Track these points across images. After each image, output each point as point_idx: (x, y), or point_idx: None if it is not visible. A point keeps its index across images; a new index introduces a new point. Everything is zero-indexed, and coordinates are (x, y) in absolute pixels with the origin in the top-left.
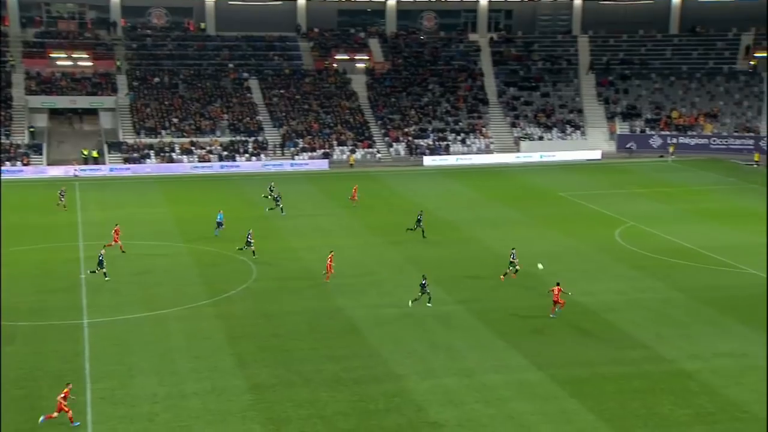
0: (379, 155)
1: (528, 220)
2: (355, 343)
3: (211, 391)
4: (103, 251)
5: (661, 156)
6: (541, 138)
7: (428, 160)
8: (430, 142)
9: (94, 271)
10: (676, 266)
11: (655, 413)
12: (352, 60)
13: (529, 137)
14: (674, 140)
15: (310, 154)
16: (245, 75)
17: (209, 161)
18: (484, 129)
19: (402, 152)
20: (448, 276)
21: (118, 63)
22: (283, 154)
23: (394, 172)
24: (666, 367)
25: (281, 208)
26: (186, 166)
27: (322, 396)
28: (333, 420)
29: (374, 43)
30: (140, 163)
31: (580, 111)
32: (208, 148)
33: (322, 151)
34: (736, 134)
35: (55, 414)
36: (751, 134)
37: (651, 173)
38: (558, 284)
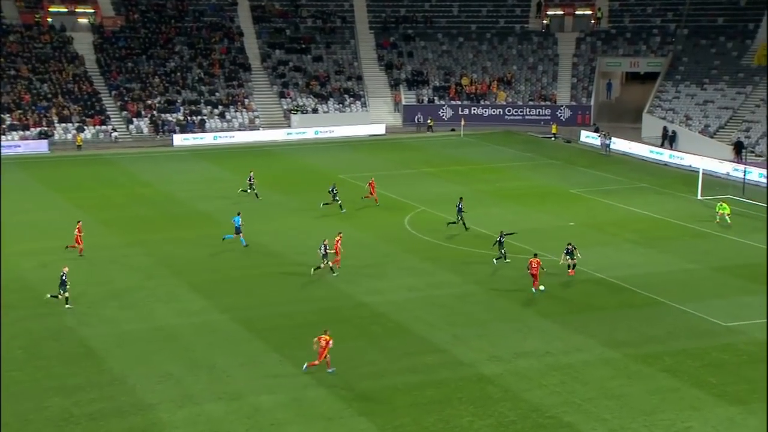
0: (115, 134)
1: (304, 208)
2: (91, 370)
3: None
4: (65, 269)
5: (453, 130)
6: (315, 110)
7: (179, 139)
8: (181, 117)
9: (56, 296)
10: (472, 256)
11: (454, 426)
12: (73, 13)
13: (301, 110)
14: (463, 112)
15: (21, 133)
16: None
17: None
18: (246, 100)
19: (145, 130)
20: (209, 280)
21: None
22: None
23: (136, 155)
24: (464, 373)
25: (340, 205)
26: None
27: None
28: None
29: None
30: None
31: (359, 78)
32: None
33: (39, 129)
34: (531, 103)
35: (317, 362)
36: (548, 103)
37: (442, 150)
38: (536, 255)
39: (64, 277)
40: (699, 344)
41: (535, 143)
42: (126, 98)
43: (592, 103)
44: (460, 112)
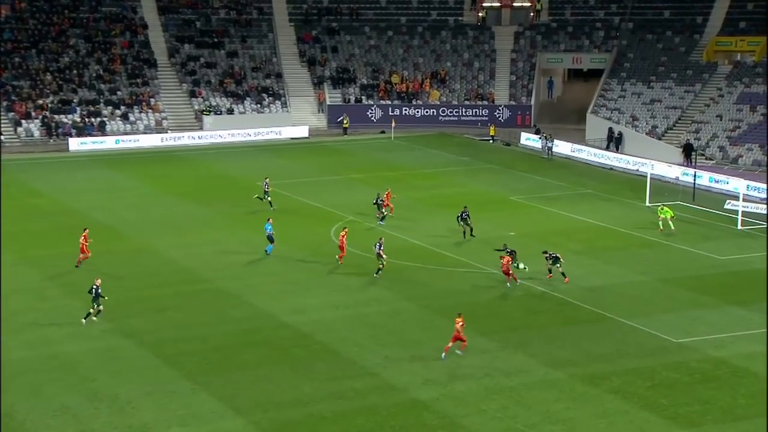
0: (1, 137)
1: (219, 220)
2: None
3: None
4: (98, 281)
5: (383, 132)
6: (230, 111)
7: (75, 144)
8: (78, 119)
9: (99, 310)
10: (405, 269)
11: None
12: None
13: (214, 110)
14: (394, 113)
15: None
16: None
17: None
18: (152, 100)
19: (36, 133)
20: (111, 300)
21: None
22: None
23: (26, 161)
24: (397, 398)
25: (383, 217)
26: None
27: None
28: None
29: None
30: None
31: (279, 75)
32: None
33: None
34: (467, 103)
35: (450, 344)
36: (485, 103)
37: (371, 154)
38: (508, 251)
39: (98, 290)
40: (649, 363)
41: (471, 146)
42: (13, 98)
43: (532, 102)
44: (390, 113)
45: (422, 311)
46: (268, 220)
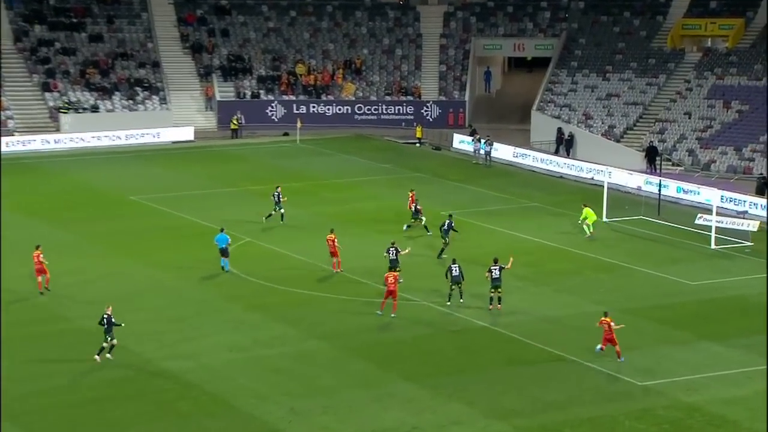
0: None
1: (82, 242)
2: None
3: None
4: (109, 310)
5: (286, 134)
6: (95, 109)
7: None
8: None
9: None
10: (314, 301)
11: None
12: None
13: (74, 108)
14: (299, 111)
15: None
16: None
17: None
18: None
19: None
20: None
21: None
22: None
23: None
24: None
25: (425, 226)
26: None
27: None
28: None
29: None
30: None
31: (156, 65)
32: None
33: None
34: (389, 99)
35: (606, 345)
36: (410, 98)
37: (271, 160)
38: (393, 269)
39: (112, 319)
40: (608, 411)
41: (394, 151)
42: None
43: (466, 98)
44: (294, 111)
45: (335, 352)
46: (221, 230)
